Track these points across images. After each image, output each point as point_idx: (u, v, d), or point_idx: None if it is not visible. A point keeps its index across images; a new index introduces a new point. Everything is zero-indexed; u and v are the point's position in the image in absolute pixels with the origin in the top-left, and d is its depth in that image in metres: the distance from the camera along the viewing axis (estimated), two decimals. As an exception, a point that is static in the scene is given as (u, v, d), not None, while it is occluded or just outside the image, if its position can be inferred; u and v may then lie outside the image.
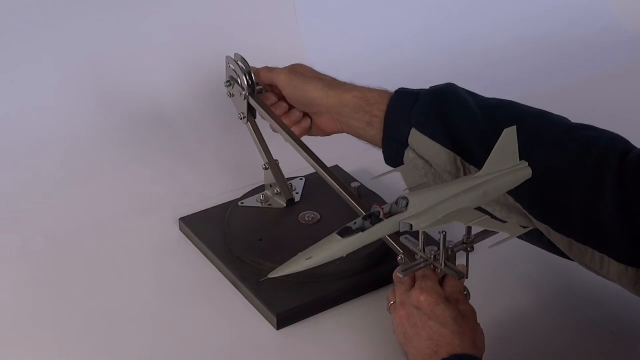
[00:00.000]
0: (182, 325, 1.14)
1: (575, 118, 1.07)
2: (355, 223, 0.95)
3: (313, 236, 1.22)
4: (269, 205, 1.29)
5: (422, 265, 1.01)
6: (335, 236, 0.95)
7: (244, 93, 1.20)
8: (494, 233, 0.99)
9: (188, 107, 1.53)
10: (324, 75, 1.19)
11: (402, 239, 1.04)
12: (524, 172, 1.01)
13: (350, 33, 1.70)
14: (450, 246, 1.01)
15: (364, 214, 0.97)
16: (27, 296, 1.19)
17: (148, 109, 1.51)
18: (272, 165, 1.27)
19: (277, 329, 1.13)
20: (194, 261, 1.25)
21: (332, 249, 0.95)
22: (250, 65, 1.21)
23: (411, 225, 0.96)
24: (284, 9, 1.64)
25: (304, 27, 1.65)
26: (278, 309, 1.13)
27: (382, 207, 0.95)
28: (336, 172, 1.39)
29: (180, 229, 1.30)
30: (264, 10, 1.63)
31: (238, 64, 1.20)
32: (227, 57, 1.21)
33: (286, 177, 1.29)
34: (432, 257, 1.01)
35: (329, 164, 1.40)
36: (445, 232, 0.99)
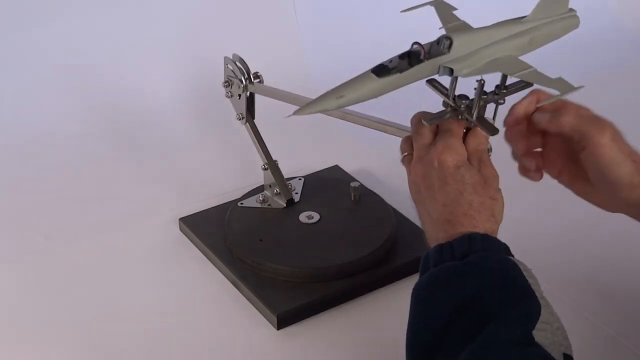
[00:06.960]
0: (181, 325, 1.14)
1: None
2: (391, 61, 0.86)
3: (313, 236, 1.24)
4: (269, 205, 1.29)
5: (450, 114, 0.89)
6: (369, 74, 0.85)
7: (242, 85, 1.19)
8: (529, 85, 0.90)
9: (188, 107, 1.53)
10: (635, 152, 0.91)
11: (426, 83, 0.91)
12: (572, 20, 0.93)
13: (350, 33, 1.70)
14: (484, 96, 0.90)
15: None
16: (27, 297, 1.19)
17: (147, 109, 1.51)
18: (271, 165, 1.27)
19: (277, 329, 1.13)
20: (194, 261, 1.25)
21: (365, 87, 0.85)
22: (262, 66, 1.19)
23: (452, 70, 0.86)
24: (284, 9, 1.65)
25: (304, 27, 1.65)
26: (278, 309, 1.13)
27: (423, 45, 0.85)
28: (336, 172, 1.40)
29: (180, 229, 1.30)
30: (264, 10, 1.63)
31: (236, 64, 1.20)
32: (225, 58, 1.21)
33: (285, 177, 1.29)
34: (464, 106, 0.88)
35: (328, 164, 1.41)
36: (484, 81, 0.87)
